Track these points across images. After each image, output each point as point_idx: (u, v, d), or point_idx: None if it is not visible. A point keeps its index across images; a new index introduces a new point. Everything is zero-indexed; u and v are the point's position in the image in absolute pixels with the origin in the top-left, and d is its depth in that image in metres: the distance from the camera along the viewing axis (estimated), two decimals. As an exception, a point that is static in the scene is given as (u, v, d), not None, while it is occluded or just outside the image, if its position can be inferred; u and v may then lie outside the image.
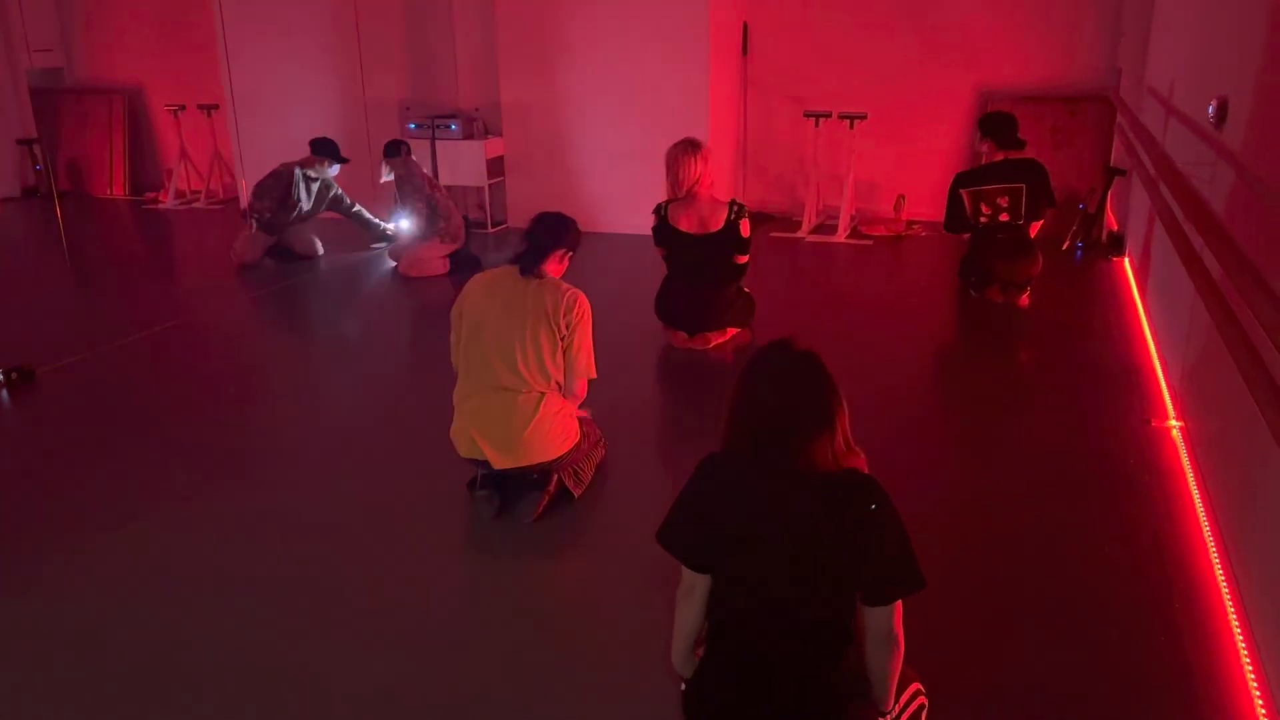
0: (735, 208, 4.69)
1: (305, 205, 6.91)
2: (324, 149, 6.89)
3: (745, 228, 4.69)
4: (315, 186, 6.92)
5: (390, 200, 7.58)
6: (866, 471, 1.98)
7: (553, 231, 3.34)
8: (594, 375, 3.38)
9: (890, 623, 1.91)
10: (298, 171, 6.80)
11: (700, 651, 2.07)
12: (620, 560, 3.05)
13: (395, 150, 6.67)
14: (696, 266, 4.77)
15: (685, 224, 4.70)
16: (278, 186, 6.81)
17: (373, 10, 7.90)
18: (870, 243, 7.21)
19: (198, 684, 2.53)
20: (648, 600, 2.77)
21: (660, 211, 4.76)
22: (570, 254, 3.42)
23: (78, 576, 3.04)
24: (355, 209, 7.22)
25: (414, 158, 6.77)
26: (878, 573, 1.88)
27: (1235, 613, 2.67)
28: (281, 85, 8.26)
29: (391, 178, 6.69)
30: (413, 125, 7.71)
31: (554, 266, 3.35)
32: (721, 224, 4.66)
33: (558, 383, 3.31)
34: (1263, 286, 2.23)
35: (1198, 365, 3.59)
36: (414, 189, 6.60)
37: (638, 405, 4.36)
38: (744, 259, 4.78)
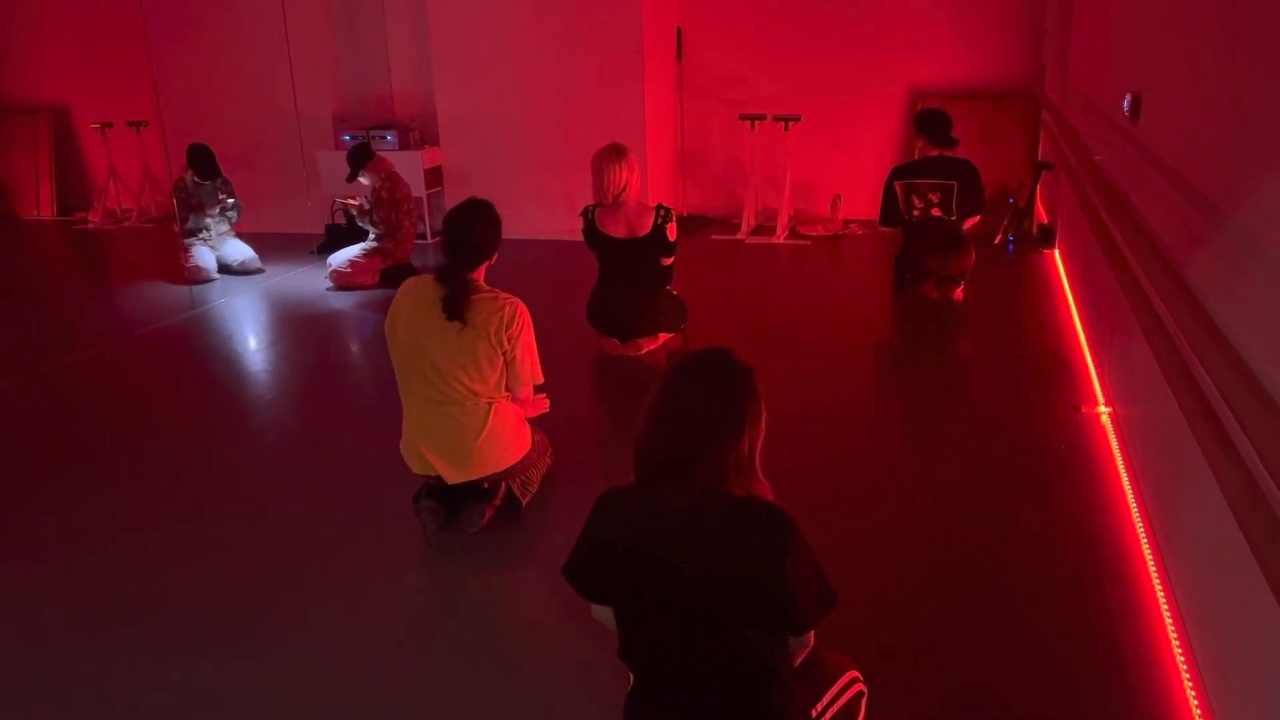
0: (662, 212, 4.70)
1: (211, 210, 6.82)
2: (189, 159, 6.77)
3: (672, 231, 4.72)
4: (205, 190, 6.82)
5: (325, 210, 7.53)
6: (772, 500, 1.89)
7: (473, 250, 3.19)
8: (540, 380, 3.35)
9: (805, 639, 1.95)
10: (177, 182, 6.83)
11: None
12: (565, 567, 3.05)
13: (369, 154, 6.46)
14: (625, 271, 4.78)
15: (613, 229, 4.70)
16: (181, 200, 6.80)
17: (303, 22, 7.82)
18: (809, 243, 7.30)
19: (141, 712, 2.49)
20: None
21: (588, 215, 4.76)
22: (497, 250, 3.28)
23: (5, 610, 2.97)
24: (225, 222, 7.09)
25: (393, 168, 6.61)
26: (798, 610, 1.85)
27: (1163, 593, 2.75)
28: (212, 100, 8.14)
29: (379, 185, 6.43)
30: (347, 137, 7.64)
31: (481, 271, 3.25)
32: (649, 229, 4.68)
33: (505, 390, 3.28)
34: (1172, 276, 2.31)
35: (1122, 353, 3.69)
36: (391, 206, 6.44)
37: (575, 414, 4.35)
38: (669, 261, 4.80)
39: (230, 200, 6.93)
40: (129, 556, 3.23)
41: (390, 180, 6.48)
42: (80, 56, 9.31)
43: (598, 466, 3.83)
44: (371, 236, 6.58)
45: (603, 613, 2.03)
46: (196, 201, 6.79)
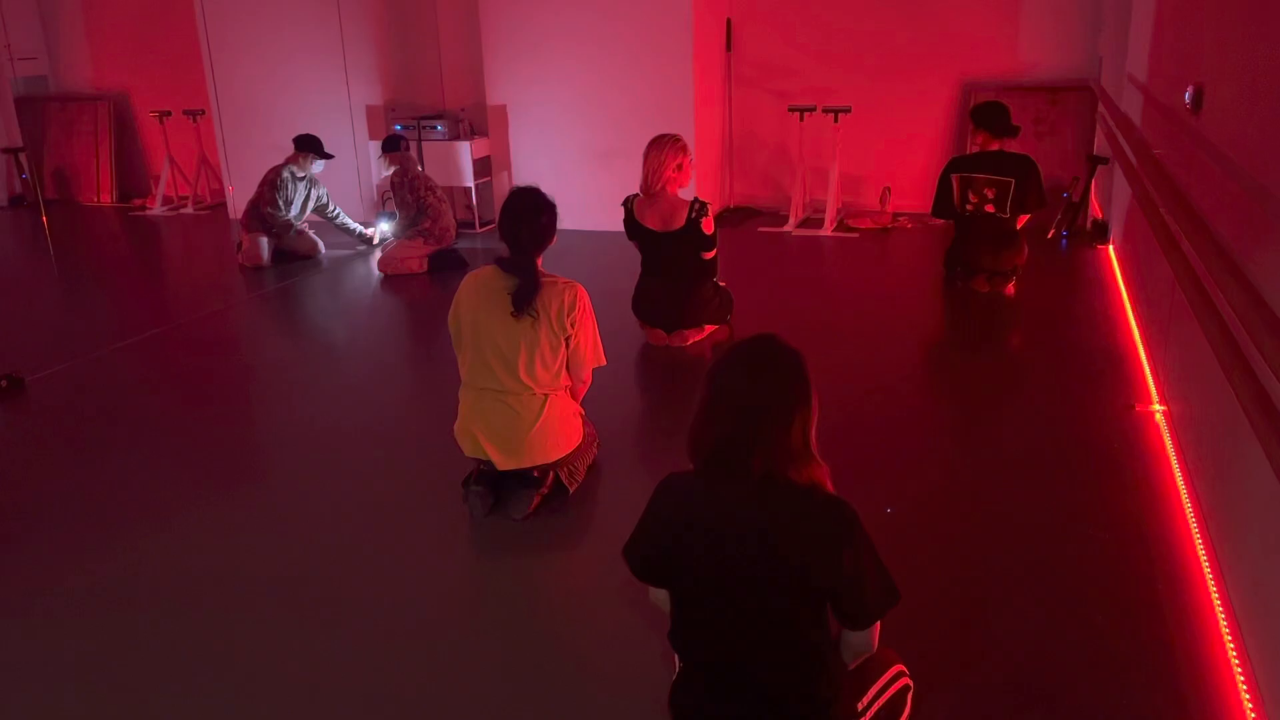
0: (696, 206, 4.65)
1: (295, 206, 6.92)
2: (307, 145, 6.89)
3: (707, 225, 4.66)
4: (302, 185, 6.93)
5: (377, 200, 7.63)
6: (830, 487, 1.91)
7: (537, 239, 3.25)
8: (603, 362, 3.39)
9: (868, 638, 1.95)
10: (285, 172, 6.83)
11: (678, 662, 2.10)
12: (610, 556, 3.04)
13: (395, 145, 6.71)
14: (666, 263, 4.78)
15: (650, 221, 4.70)
16: (267, 190, 6.82)
17: (356, 13, 7.90)
18: (857, 235, 7.25)
19: (191, 683, 2.55)
20: (638, 595, 2.79)
21: (627, 205, 4.77)
22: (554, 238, 3.33)
23: (72, 583, 3.05)
24: (337, 215, 7.22)
25: (411, 155, 6.81)
26: (858, 603, 1.87)
27: (1217, 592, 2.70)
28: (266, 89, 8.26)
29: (391, 172, 6.70)
30: (399, 127, 7.71)
31: (539, 258, 3.30)
32: (683, 223, 4.64)
33: (563, 382, 3.31)
34: (1234, 271, 2.27)
35: (1179, 350, 3.62)
36: (408, 186, 6.62)
37: (620, 404, 4.37)
38: (710, 254, 4.76)
39: (337, 210, 7.19)
40: (177, 535, 3.31)
41: (402, 167, 6.64)
42: (139, 47, 9.49)
43: (643, 457, 3.85)
44: (409, 222, 6.66)
45: (659, 596, 2.05)
46: (290, 198, 6.90)
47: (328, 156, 6.98)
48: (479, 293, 3.23)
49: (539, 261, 3.28)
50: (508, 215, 3.26)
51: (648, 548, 2.00)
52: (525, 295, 3.16)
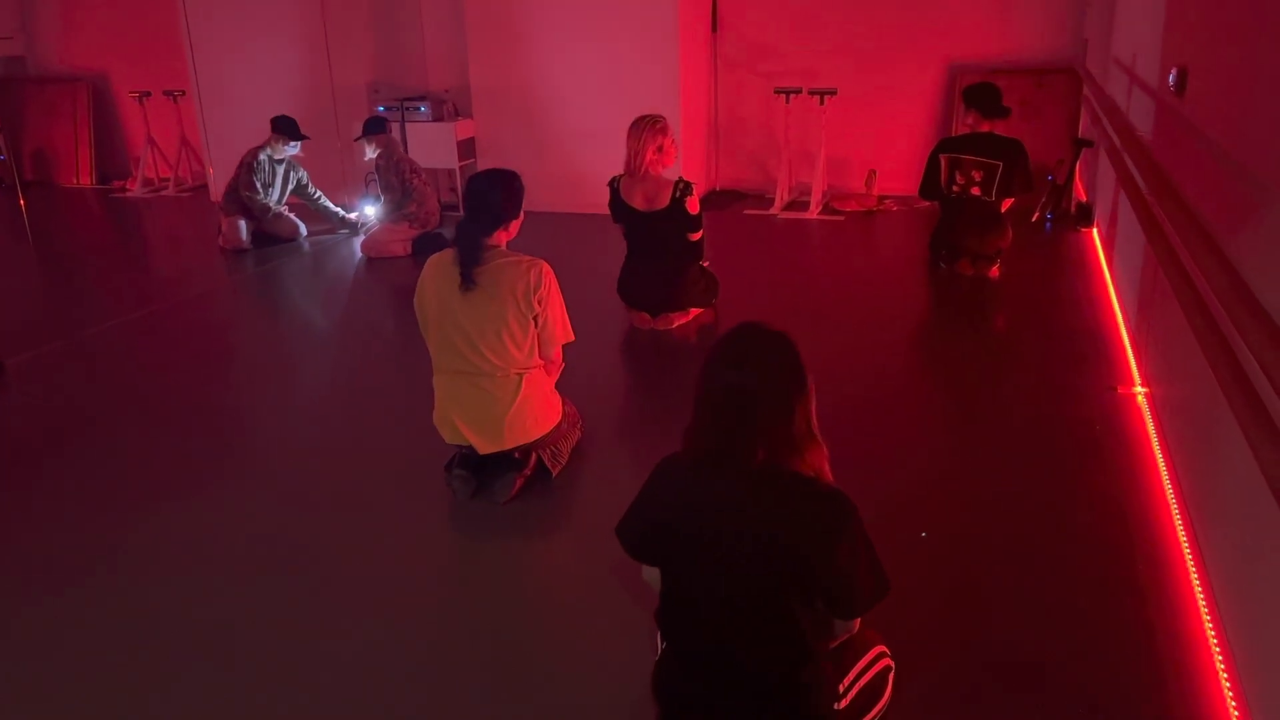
0: (680, 186, 4.63)
1: (274, 190, 6.87)
2: (281, 127, 6.82)
3: (692, 205, 4.64)
4: (280, 168, 6.87)
5: (360, 183, 7.58)
6: (828, 467, 1.91)
7: (489, 215, 3.19)
8: (571, 338, 3.36)
9: (851, 622, 1.95)
10: (261, 154, 6.76)
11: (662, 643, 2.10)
12: (594, 539, 3.05)
13: (379, 127, 6.67)
14: (652, 244, 4.77)
15: (635, 200, 4.69)
16: (244, 173, 6.76)
17: (338, -8, 7.83)
18: (842, 218, 7.24)
19: (176, 673, 2.54)
20: (623, 577, 2.79)
21: (613, 185, 4.76)
22: (517, 218, 3.28)
23: (54, 568, 3.03)
24: (319, 197, 7.17)
25: (394, 138, 6.78)
26: (848, 595, 1.87)
27: (1197, 574, 2.72)
28: (247, 70, 8.17)
29: (375, 155, 6.66)
30: (382, 108, 7.66)
31: (501, 237, 3.25)
32: (667, 202, 4.63)
33: (535, 361, 3.29)
34: (1216, 253, 2.27)
35: (1161, 332, 3.64)
36: (393, 169, 6.59)
37: (605, 387, 4.37)
38: (697, 236, 4.75)
39: (318, 193, 7.14)
40: (157, 520, 3.28)
41: (387, 149, 6.61)
42: (118, 26, 9.37)
43: (627, 440, 3.84)
44: (394, 206, 6.63)
45: (652, 574, 2.04)
46: (268, 181, 6.85)
47: (302, 138, 6.89)
48: (440, 275, 3.21)
49: (502, 241, 3.24)
50: (466, 189, 3.28)
51: (643, 527, 2.00)
52: (465, 268, 3.13)
